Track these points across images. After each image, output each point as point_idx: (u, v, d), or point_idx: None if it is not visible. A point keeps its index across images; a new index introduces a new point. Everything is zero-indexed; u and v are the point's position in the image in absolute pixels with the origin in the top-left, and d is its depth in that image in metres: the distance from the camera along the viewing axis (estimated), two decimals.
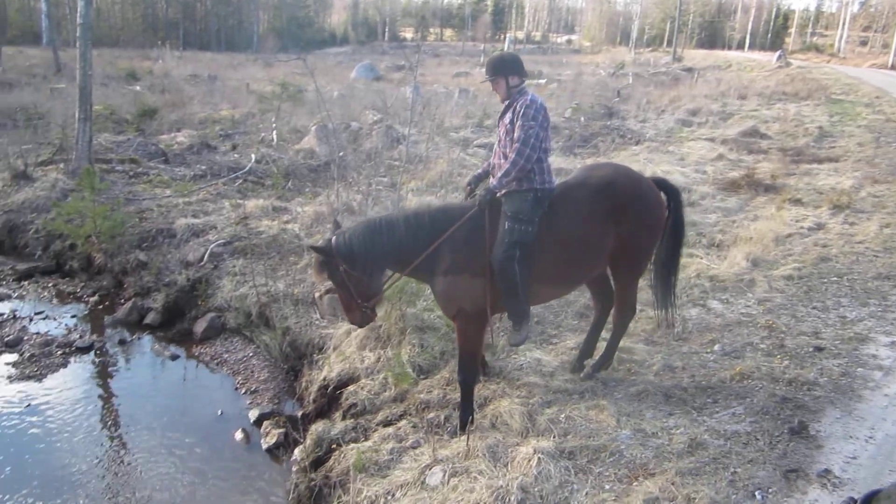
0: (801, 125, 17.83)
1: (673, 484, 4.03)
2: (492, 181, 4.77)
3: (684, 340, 6.12)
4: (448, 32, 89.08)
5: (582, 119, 18.02)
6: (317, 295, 7.33)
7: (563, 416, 4.88)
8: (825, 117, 19.27)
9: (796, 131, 17.00)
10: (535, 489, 4.09)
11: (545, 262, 4.77)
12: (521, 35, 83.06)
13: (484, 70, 5.01)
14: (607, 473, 4.25)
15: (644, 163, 12.33)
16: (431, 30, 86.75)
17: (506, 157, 4.77)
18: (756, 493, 3.95)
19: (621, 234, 4.88)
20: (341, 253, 4.71)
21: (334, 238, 4.79)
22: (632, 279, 5.27)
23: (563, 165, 12.19)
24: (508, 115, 4.79)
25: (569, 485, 4.15)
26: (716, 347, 5.90)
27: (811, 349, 5.77)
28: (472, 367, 4.95)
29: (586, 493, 4.06)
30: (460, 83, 26.88)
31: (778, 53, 43.19)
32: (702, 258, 7.99)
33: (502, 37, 77.86)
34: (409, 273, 4.93)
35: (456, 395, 5.26)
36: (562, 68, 38.19)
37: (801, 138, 16.08)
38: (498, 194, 4.73)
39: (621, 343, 5.87)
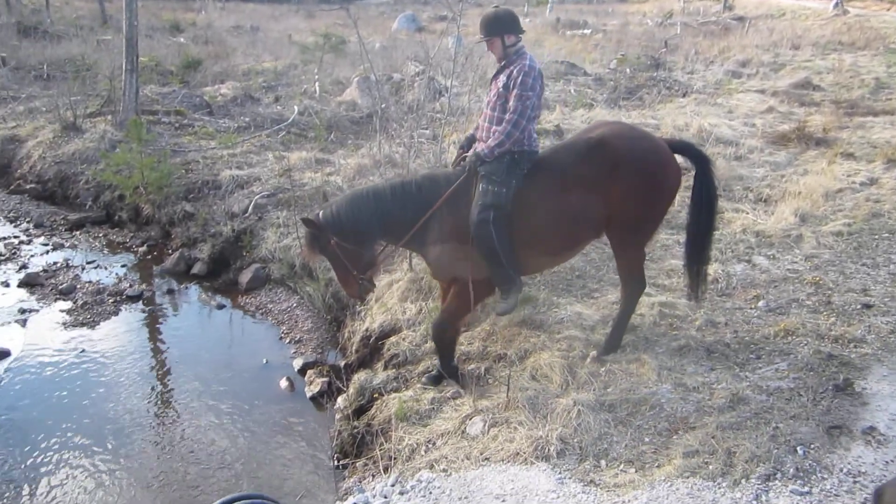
0: (857, 76, 17.16)
1: (713, 438, 4.03)
2: (482, 147, 4.58)
3: (728, 296, 6.04)
4: None
5: (627, 70, 17.61)
6: None
7: (603, 369, 4.89)
8: (882, 68, 18.51)
9: (851, 83, 16.37)
10: (575, 440, 4.14)
11: (527, 228, 4.60)
12: None
13: (479, 29, 4.71)
14: (647, 426, 4.27)
15: (691, 115, 12.04)
16: None
17: (493, 122, 4.62)
18: (798, 448, 3.92)
19: (612, 200, 4.58)
20: (329, 224, 4.63)
21: (321, 211, 4.73)
22: (632, 252, 4.96)
23: (608, 119, 11.95)
24: (503, 78, 4.59)
25: (608, 436, 4.18)
26: (760, 303, 5.82)
27: (859, 306, 5.66)
28: (446, 330, 4.92)
29: (626, 445, 4.10)
30: None
31: (835, 1, 41.45)
32: (748, 213, 7.84)
33: None
34: (403, 244, 4.86)
35: (495, 348, 5.32)
36: (607, 18, 37.13)
37: (855, 90, 15.49)
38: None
39: (663, 298, 5.84)
